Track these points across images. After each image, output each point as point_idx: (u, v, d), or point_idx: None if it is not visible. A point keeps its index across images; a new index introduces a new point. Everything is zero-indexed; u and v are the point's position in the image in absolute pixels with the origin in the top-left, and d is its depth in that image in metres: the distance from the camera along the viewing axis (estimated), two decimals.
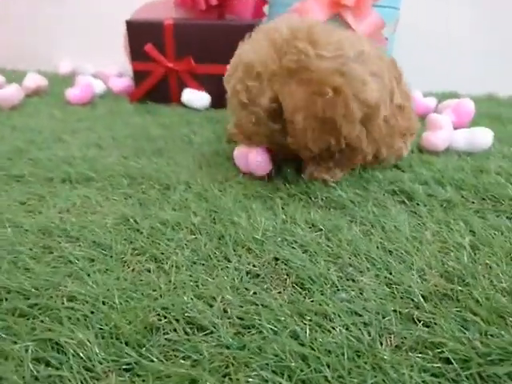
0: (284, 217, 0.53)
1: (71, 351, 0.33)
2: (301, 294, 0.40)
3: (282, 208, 0.55)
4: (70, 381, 0.31)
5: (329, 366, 0.32)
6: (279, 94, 0.54)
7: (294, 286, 0.41)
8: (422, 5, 1.17)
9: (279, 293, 0.40)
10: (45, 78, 1.21)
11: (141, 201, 0.58)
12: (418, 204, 0.58)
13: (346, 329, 0.36)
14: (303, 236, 0.48)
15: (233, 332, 0.35)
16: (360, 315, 0.37)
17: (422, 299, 0.40)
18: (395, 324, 0.36)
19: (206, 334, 0.35)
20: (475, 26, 1.24)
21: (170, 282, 0.41)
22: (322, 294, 0.40)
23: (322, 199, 0.59)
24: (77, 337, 0.34)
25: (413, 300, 0.40)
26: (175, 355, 0.33)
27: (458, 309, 0.38)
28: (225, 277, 0.42)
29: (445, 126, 0.76)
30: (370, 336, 0.35)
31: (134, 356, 0.32)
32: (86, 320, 0.36)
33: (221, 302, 0.38)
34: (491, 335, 0.35)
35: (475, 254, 0.46)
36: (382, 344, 0.34)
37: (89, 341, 0.34)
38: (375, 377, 0.31)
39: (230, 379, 0.31)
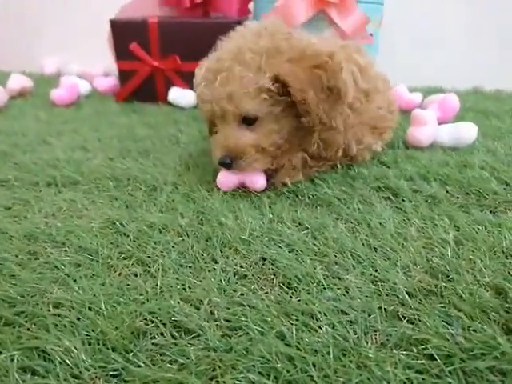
0: (271, 216, 0.53)
1: (58, 359, 0.33)
2: (287, 293, 0.40)
3: (270, 207, 0.55)
4: None
5: (315, 366, 0.32)
6: (283, 77, 0.52)
7: (280, 286, 0.41)
8: (406, 0, 1.18)
9: (266, 293, 0.40)
10: (29, 79, 1.19)
11: (127, 203, 0.58)
12: (403, 200, 0.59)
13: (332, 327, 0.36)
14: (290, 235, 0.49)
15: (220, 334, 0.35)
16: (346, 313, 0.38)
17: (406, 296, 0.40)
18: (380, 321, 0.37)
19: (193, 338, 0.35)
20: (460, 21, 1.25)
21: (156, 285, 0.41)
22: (308, 293, 0.40)
23: (309, 197, 0.59)
24: (63, 344, 0.34)
25: (398, 297, 0.40)
26: (162, 359, 0.33)
27: (442, 305, 0.38)
28: (212, 279, 0.42)
29: (429, 121, 0.76)
30: (355, 334, 0.36)
31: (121, 362, 0.32)
32: (72, 327, 0.36)
33: (208, 304, 0.38)
34: (474, 330, 0.35)
35: (459, 250, 0.47)
36: (367, 342, 0.35)
37: (75, 348, 0.33)
38: (360, 375, 0.31)
39: (217, 382, 0.31)
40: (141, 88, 1.08)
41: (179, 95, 1.05)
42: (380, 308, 0.39)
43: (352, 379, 0.31)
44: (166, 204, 0.57)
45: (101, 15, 1.25)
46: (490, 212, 0.55)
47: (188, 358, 0.33)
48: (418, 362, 0.33)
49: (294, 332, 0.35)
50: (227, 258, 0.45)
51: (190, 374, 0.31)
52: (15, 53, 1.57)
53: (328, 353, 0.33)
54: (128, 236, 0.49)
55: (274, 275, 0.43)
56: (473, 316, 0.37)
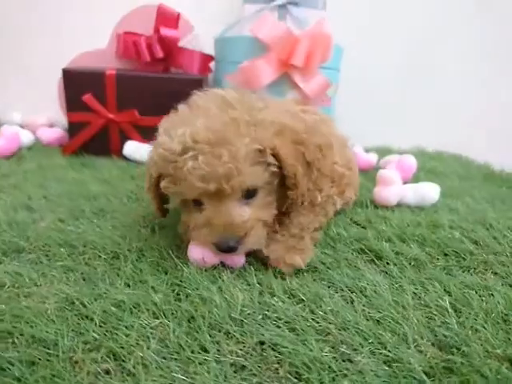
0: (259, 286, 0.48)
1: None
2: None
3: (255, 275, 0.50)
4: None
5: None
6: (278, 150, 0.49)
7: (288, 377, 0.35)
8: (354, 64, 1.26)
9: None
10: None
11: (85, 275, 0.49)
12: (387, 263, 0.57)
13: None
14: (286, 310, 0.43)
15: None
16: None
17: (424, 376, 0.36)
18: None
19: None
20: (399, 82, 1.35)
21: None
22: (321, 383, 0.34)
23: None
24: None
25: (415, 378, 0.36)
26: None
27: None
28: (205, 373, 0.35)
29: (396, 181, 0.78)
30: None
31: None
32: None
33: None
34: None
35: (459, 317, 0.45)
36: None
37: None
38: None
39: None
40: (92, 141, 1.00)
41: (135, 149, 0.99)
42: None
43: None
44: (133, 275, 0.50)
45: (45, 64, 1.18)
46: (474, 273, 0.55)
47: None
48: None
49: None
50: (218, 344, 0.38)
51: None
52: None
53: None
54: (93, 320, 0.40)
55: (278, 363, 0.37)
56: None
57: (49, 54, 1.20)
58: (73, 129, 1.00)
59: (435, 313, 0.46)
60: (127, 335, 0.38)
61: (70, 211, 0.67)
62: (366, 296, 0.48)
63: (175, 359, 0.36)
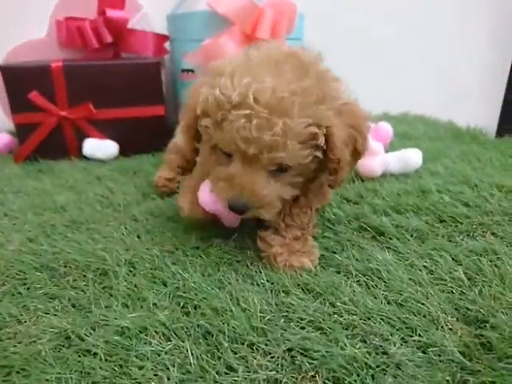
0: (270, 285, 0.44)
1: None
2: None
3: (262, 273, 0.47)
4: None
5: None
6: (332, 130, 0.44)
7: None
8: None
9: None
10: None
11: (74, 301, 0.44)
12: (390, 238, 0.55)
13: None
14: (306, 308, 0.40)
15: None
16: None
17: (462, 358, 0.35)
18: None
19: None
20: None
21: None
22: None
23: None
24: None
25: (453, 361, 0.35)
26: None
27: (506, 362, 0.34)
28: None
29: (379, 151, 0.76)
30: None
31: None
32: None
33: None
34: None
35: (476, 287, 0.44)
36: None
37: None
38: None
39: None
40: (45, 143, 0.90)
41: (96, 147, 0.91)
42: (447, 381, 0.33)
43: None
44: (129, 294, 0.44)
45: None
46: (473, 238, 0.55)
47: None
48: None
49: None
50: (245, 359, 0.35)
51: None
52: None
53: None
54: (96, 354, 0.35)
55: (313, 370, 0.34)
56: None
57: None
58: (22, 132, 0.89)
59: (452, 285, 0.45)
60: (140, 368, 0.34)
61: (39, 228, 0.60)
62: (380, 278, 0.46)
63: None
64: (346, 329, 0.38)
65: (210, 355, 0.35)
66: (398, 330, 0.38)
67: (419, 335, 0.37)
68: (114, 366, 0.34)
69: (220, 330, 0.38)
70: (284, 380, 0.33)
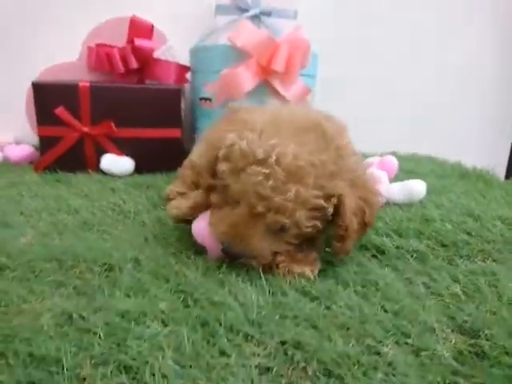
0: (270, 287, 0.45)
1: None
2: (330, 383, 0.32)
3: (260, 276, 0.48)
4: None
5: None
6: (344, 199, 0.46)
7: (317, 376, 0.33)
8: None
9: None
10: None
11: (79, 289, 0.45)
12: (390, 258, 0.56)
13: None
14: (302, 308, 0.41)
15: None
16: None
17: (454, 363, 0.35)
18: None
19: None
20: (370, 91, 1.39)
21: None
22: (354, 378, 0.32)
23: None
24: None
25: (446, 366, 0.35)
26: None
27: (498, 368, 0.34)
28: (230, 378, 0.32)
29: (384, 181, 0.79)
30: None
31: None
32: None
33: None
34: None
35: (473, 303, 0.45)
36: None
37: None
38: None
39: None
40: (66, 156, 0.95)
41: (113, 163, 0.95)
42: (438, 383, 0.33)
43: None
44: (132, 286, 0.46)
45: (9, 78, 1.12)
46: (473, 262, 0.56)
47: None
48: None
49: None
50: (239, 347, 0.36)
51: None
52: None
53: None
54: (96, 333, 0.36)
55: (305, 362, 0.34)
56: None
57: (11, 69, 1.14)
58: (44, 144, 0.94)
59: (449, 300, 0.45)
60: (138, 346, 0.35)
61: (52, 225, 0.62)
62: (378, 289, 0.47)
63: (195, 367, 0.33)
64: (340, 329, 0.39)
65: (205, 341, 0.36)
66: (392, 334, 0.39)
67: (413, 340, 0.38)
68: (113, 343, 0.35)
69: (217, 320, 0.39)
70: (275, 369, 0.33)
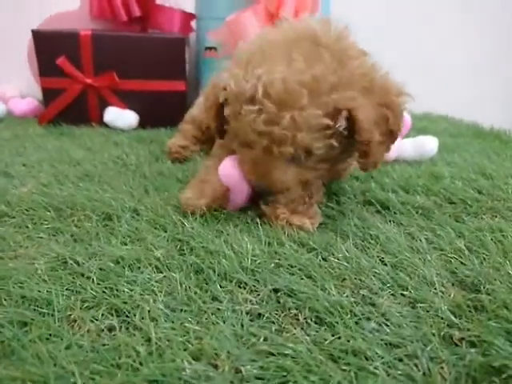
0: (266, 237, 0.44)
1: None
2: (321, 331, 0.32)
3: (261, 228, 0.47)
4: None
5: None
6: (356, 113, 0.42)
7: (308, 323, 0.33)
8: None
9: (294, 334, 0.31)
10: None
11: (76, 237, 0.45)
12: (395, 213, 0.55)
13: (392, 367, 0.28)
14: (298, 258, 0.40)
15: None
16: (398, 346, 0.31)
17: (451, 316, 0.34)
18: (441, 350, 0.30)
19: None
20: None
21: (148, 341, 0.29)
22: (346, 328, 0.32)
23: None
24: None
25: (442, 318, 0.34)
26: None
27: (495, 321, 0.33)
28: (220, 323, 0.32)
29: None
30: (419, 371, 0.28)
31: None
32: None
33: (228, 359, 0.28)
34: None
35: (476, 258, 0.43)
36: (438, 379, 0.28)
37: None
38: None
39: None
40: (69, 108, 0.93)
41: (117, 116, 0.93)
42: (433, 334, 0.32)
43: None
44: (129, 234, 0.46)
45: (14, 27, 1.09)
46: (481, 219, 0.54)
47: None
48: None
49: (355, 382, 0.26)
50: (231, 293, 0.35)
51: None
52: None
53: None
54: (89, 278, 0.37)
55: (297, 309, 0.34)
56: None
57: (15, 18, 1.11)
58: (48, 96, 0.92)
59: (451, 255, 0.44)
60: (130, 290, 0.35)
61: (53, 176, 0.62)
62: (378, 243, 0.46)
63: (186, 311, 0.33)
64: (336, 279, 0.38)
65: (198, 288, 0.36)
66: (388, 286, 0.38)
67: (410, 292, 0.37)
68: (105, 288, 0.35)
69: (211, 268, 0.38)
70: (266, 315, 0.33)
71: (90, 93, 0.93)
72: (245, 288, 0.36)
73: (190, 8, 1.03)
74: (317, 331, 0.32)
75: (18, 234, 0.45)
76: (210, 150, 0.63)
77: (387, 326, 0.33)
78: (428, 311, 0.35)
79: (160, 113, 0.95)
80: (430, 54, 1.31)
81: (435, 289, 0.38)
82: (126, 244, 0.43)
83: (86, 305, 0.33)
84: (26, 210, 0.50)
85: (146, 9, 0.97)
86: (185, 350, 0.28)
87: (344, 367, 0.28)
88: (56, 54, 0.89)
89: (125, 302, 0.33)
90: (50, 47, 0.88)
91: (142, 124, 0.95)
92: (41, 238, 0.44)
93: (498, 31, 1.31)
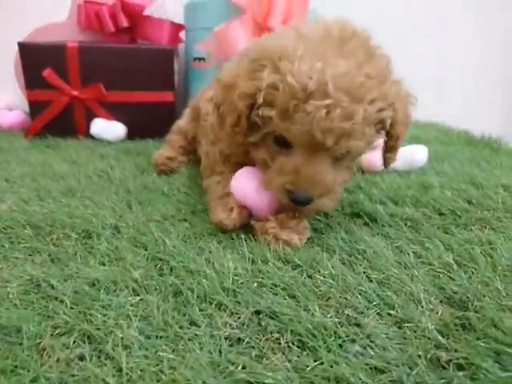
0: (250, 255, 0.43)
1: None
2: (303, 356, 0.30)
3: (245, 244, 0.46)
4: None
5: None
6: (397, 107, 0.43)
7: (290, 347, 0.31)
8: None
9: (274, 361, 0.30)
10: None
11: (53, 256, 0.44)
12: (383, 225, 0.54)
13: None
14: (282, 276, 0.39)
15: None
16: (383, 371, 0.29)
17: (438, 336, 0.33)
18: (427, 374, 0.29)
19: None
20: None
21: (119, 371, 0.28)
22: (329, 352, 0.31)
23: None
24: None
25: (429, 338, 0.33)
26: None
27: (484, 341, 0.32)
28: (197, 350, 0.30)
29: (382, 146, 0.75)
30: None
31: None
32: None
33: None
34: None
35: (465, 273, 0.42)
36: None
37: None
38: None
39: None
40: (56, 121, 0.92)
41: (104, 128, 0.92)
42: (419, 356, 0.31)
43: None
44: (108, 253, 0.44)
45: (2, 39, 1.08)
46: (470, 230, 0.53)
47: None
48: None
49: None
50: (210, 317, 0.34)
51: None
52: None
53: None
54: (63, 301, 0.35)
55: (279, 333, 0.33)
56: None
57: (2, 31, 1.10)
58: (34, 109, 0.91)
59: (440, 270, 0.43)
60: (104, 315, 0.33)
61: (34, 192, 0.61)
62: (365, 258, 0.44)
63: (161, 337, 0.32)
64: (320, 299, 0.37)
65: (175, 311, 0.34)
66: (374, 305, 0.37)
67: (396, 311, 0.36)
68: (79, 312, 0.34)
69: (190, 289, 0.37)
70: (247, 340, 0.32)
71: (77, 105, 0.92)
72: (225, 311, 0.35)
73: (178, 19, 1.03)
74: (298, 356, 0.30)
75: None
76: (199, 160, 0.62)
77: (372, 348, 0.31)
78: (415, 331, 0.34)
79: (148, 124, 0.94)
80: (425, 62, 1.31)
81: (422, 307, 0.37)
82: (104, 264, 0.42)
83: (57, 331, 0.32)
84: (4, 228, 0.49)
85: (134, 20, 0.96)
86: (158, 381, 0.27)
87: None
88: (42, 66, 0.88)
89: (98, 328, 0.32)
90: (36, 59, 0.87)
91: (131, 136, 0.94)
92: (16, 258, 0.43)
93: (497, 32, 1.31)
